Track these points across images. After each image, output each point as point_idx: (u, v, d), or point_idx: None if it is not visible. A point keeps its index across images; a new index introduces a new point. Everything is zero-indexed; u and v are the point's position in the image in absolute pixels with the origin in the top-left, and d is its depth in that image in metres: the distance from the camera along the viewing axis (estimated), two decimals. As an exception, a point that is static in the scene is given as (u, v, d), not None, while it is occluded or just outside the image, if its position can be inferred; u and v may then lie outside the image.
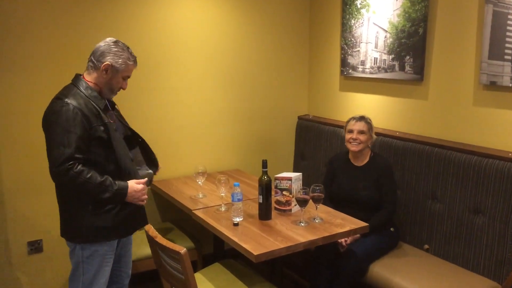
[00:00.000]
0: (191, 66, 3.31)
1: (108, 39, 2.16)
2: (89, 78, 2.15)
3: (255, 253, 2.06)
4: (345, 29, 3.43)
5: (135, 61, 2.19)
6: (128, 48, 2.18)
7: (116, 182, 2.09)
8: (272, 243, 2.16)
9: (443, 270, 2.56)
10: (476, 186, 2.55)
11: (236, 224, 2.38)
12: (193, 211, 2.62)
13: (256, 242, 2.17)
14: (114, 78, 2.15)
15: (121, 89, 2.23)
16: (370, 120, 2.86)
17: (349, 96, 3.53)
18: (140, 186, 2.15)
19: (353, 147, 2.83)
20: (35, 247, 2.88)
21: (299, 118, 3.88)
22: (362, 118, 2.85)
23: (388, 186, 2.78)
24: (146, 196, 2.20)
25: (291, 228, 2.36)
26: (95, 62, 2.12)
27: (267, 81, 3.67)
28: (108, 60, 2.11)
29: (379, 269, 2.60)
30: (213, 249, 3.28)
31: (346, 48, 3.44)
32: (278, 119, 3.79)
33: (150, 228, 2.15)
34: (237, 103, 3.55)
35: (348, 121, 2.91)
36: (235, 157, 3.62)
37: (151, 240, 2.12)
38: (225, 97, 3.49)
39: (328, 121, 3.62)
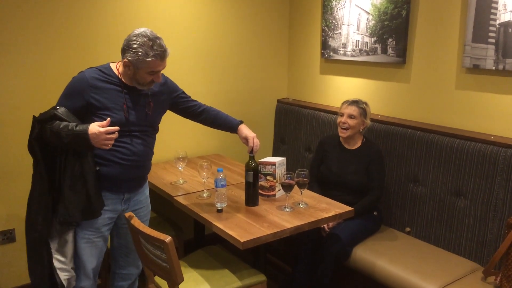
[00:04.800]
0: (169, 48, 3.19)
1: (135, 30, 2.03)
2: (120, 69, 2.11)
3: (241, 240, 2.01)
4: (326, 10, 3.37)
5: (156, 56, 2.01)
6: (152, 40, 2.01)
7: (79, 126, 1.97)
8: (258, 230, 2.12)
9: (425, 252, 2.58)
10: (458, 169, 2.57)
11: (219, 211, 2.33)
12: (174, 197, 2.55)
13: (241, 229, 2.12)
14: (137, 73, 2.06)
15: (154, 82, 2.13)
16: (365, 105, 2.81)
17: (330, 80, 3.49)
18: (101, 129, 1.94)
19: (341, 133, 2.81)
20: (7, 236, 2.76)
21: (279, 101, 3.83)
22: (354, 102, 2.80)
23: (377, 173, 2.77)
24: (110, 142, 1.97)
25: (276, 213, 2.32)
26: (121, 55, 2.06)
27: (246, 64, 3.59)
28: (126, 57, 2.02)
29: (362, 252, 2.60)
30: (194, 235, 3.22)
31: (327, 30, 3.39)
32: (257, 103, 3.73)
33: (130, 216, 2.08)
34: (215, 86, 3.47)
35: (342, 104, 2.87)
36: (214, 141, 3.54)
37: (133, 228, 2.05)
38: (204, 80, 3.40)
39: (308, 104, 3.58)
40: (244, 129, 2.47)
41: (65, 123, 1.98)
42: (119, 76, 2.11)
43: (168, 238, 1.85)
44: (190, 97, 2.51)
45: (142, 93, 2.18)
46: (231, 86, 3.55)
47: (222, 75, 3.49)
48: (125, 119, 2.11)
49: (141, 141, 2.19)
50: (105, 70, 2.10)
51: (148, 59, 2.00)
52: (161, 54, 2.03)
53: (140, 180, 2.29)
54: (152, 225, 2.81)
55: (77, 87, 2.05)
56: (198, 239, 3.15)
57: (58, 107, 2.02)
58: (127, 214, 2.08)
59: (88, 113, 2.06)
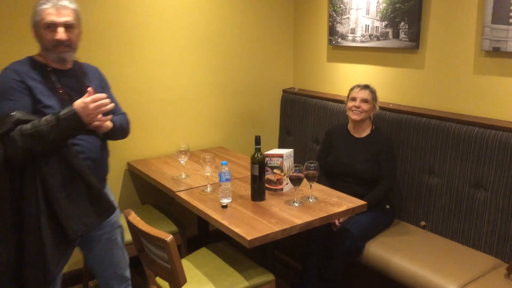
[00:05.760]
0: (171, 38, 3.08)
1: None
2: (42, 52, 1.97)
3: (248, 238, 1.88)
4: (333, -6, 3.22)
5: (47, 3, 1.87)
6: None
7: (59, 112, 1.77)
8: (265, 226, 1.99)
9: (443, 248, 2.45)
10: (477, 159, 2.43)
11: (224, 206, 2.20)
12: (176, 193, 2.42)
13: (248, 226, 1.99)
14: (39, 34, 1.91)
15: (58, 42, 1.89)
16: (374, 90, 2.71)
17: (338, 67, 3.35)
18: (87, 99, 1.77)
19: (354, 115, 2.68)
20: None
21: (284, 91, 3.70)
22: (367, 87, 2.70)
23: (387, 162, 2.64)
24: (105, 108, 1.82)
25: (285, 208, 2.19)
26: None
27: (250, 53, 3.45)
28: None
29: (375, 248, 2.47)
30: (198, 231, 3.10)
31: (335, 15, 3.24)
32: (262, 93, 3.60)
33: (130, 213, 1.95)
34: (219, 76, 3.34)
35: (352, 89, 2.75)
36: (218, 133, 3.42)
37: (132, 226, 1.92)
38: (207, 70, 3.27)
39: (315, 94, 3.44)
40: None
41: (35, 121, 1.74)
42: (45, 62, 1.95)
43: (169, 237, 1.72)
44: None
45: (79, 79, 2.01)
46: (235, 76, 3.42)
47: (226, 65, 3.36)
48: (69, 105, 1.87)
49: (93, 134, 1.98)
50: (26, 61, 1.93)
51: (39, 8, 1.88)
52: (53, 2, 1.89)
53: (101, 181, 2.06)
54: (153, 222, 2.71)
55: (12, 81, 1.84)
56: (202, 236, 3.04)
57: (11, 113, 1.74)
58: (126, 211, 1.96)
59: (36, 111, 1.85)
